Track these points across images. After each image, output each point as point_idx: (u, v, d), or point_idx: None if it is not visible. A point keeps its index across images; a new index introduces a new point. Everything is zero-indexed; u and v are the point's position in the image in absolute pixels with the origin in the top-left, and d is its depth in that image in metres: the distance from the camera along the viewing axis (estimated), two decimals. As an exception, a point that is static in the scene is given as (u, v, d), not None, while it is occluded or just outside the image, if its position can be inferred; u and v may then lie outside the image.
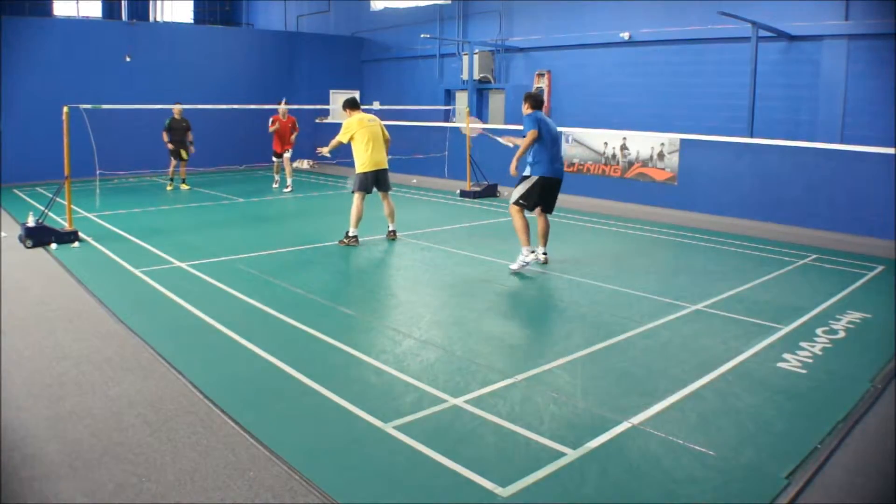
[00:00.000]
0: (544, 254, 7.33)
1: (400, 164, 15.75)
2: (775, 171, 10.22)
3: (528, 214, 7.16)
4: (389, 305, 6.00)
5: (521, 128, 7.26)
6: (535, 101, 7.16)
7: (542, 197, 7.08)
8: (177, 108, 13.01)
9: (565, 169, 12.72)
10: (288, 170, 13.44)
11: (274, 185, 13.87)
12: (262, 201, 12.33)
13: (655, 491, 3.06)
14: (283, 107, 13.18)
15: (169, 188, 13.40)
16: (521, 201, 7.03)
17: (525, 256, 6.94)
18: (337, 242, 8.34)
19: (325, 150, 8.61)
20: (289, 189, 13.28)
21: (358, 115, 8.47)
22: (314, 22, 21.93)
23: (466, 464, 3.22)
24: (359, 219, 8.27)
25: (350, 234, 8.29)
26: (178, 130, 13.07)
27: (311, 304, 5.88)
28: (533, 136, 6.85)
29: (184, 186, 13.66)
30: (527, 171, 7.06)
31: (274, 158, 13.75)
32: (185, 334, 5.12)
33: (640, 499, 3.00)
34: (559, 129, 7.44)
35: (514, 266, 6.99)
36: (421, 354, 4.70)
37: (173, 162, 13.29)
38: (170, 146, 13.08)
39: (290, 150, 13.44)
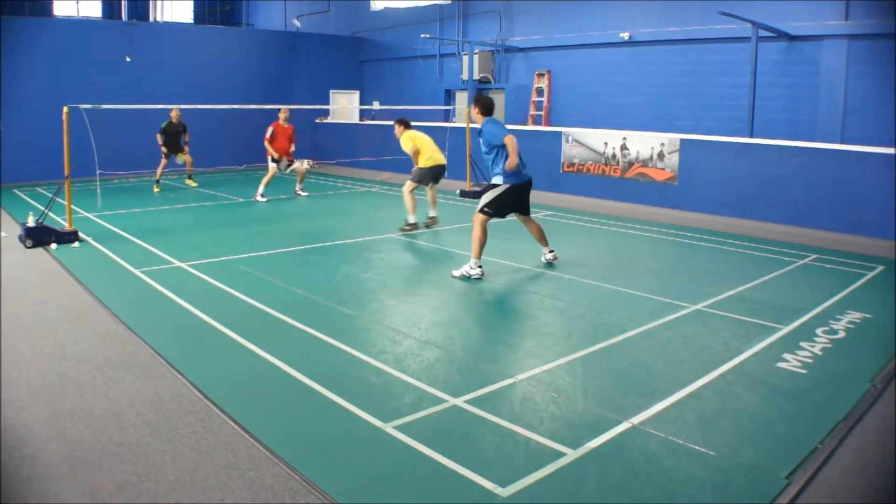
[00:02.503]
0: (551, 251, 7.30)
1: (400, 165, 15.78)
2: (775, 171, 10.21)
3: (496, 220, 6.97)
4: (389, 305, 6.00)
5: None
6: (486, 106, 6.90)
7: (516, 203, 6.91)
8: (175, 112, 12.96)
9: (565, 169, 12.83)
10: (301, 172, 12.95)
11: (262, 198, 12.57)
12: (261, 201, 12.31)
13: (655, 491, 3.06)
14: (283, 114, 12.57)
15: (156, 190, 13.22)
16: (486, 209, 6.74)
17: (472, 269, 6.71)
18: (397, 230, 9.10)
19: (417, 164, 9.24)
20: (305, 194, 12.91)
21: (414, 133, 9.28)
22: (314, 22, 21.93)
23: (466, 464, 3.22)
24: (413, 206, 9.15)
25: (410, 221, 9.16)
26: (175, 134, 13.07)
27: (311, 304, 5.88)
28: (514, 141, 6.54)
29: (191, 183, 13.68)
30: (497, 180, 6.78)
31: (271, 163, 12.58)
32: (185, 334, 5.12)
33: (640, 499, 3.00)
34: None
35: (457, 273, 6.78)
36: (421, 354, 4.70)
37: (163, 163, 13.25)
38: (164, 149, 13.04)
39: (293, 158, 12.84)
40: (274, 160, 12.47)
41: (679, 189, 11.32)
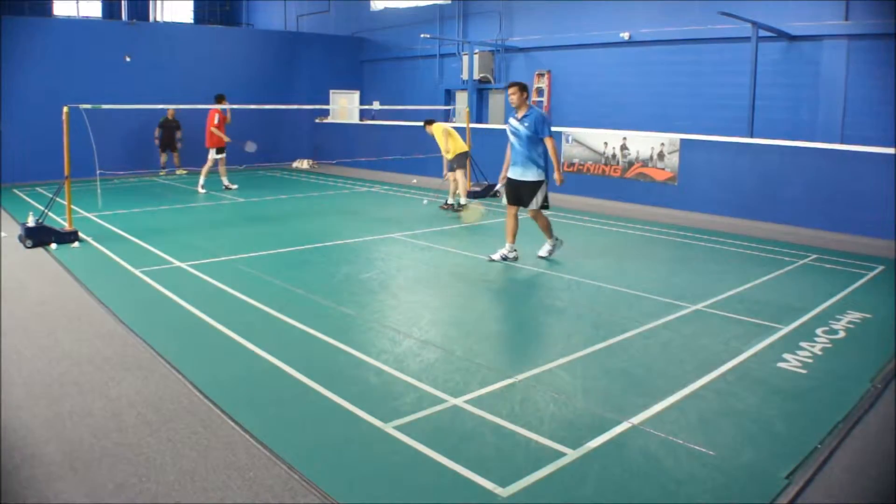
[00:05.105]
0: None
1: (400, 165, 15.79)
2: (775, 171, 10.21)
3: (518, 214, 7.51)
4: (389, 305, 6.00)
5: None
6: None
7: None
8: (170, 111, 13.08)
9: (566, 169, 12.82)
10: (205, 169, 13.11)
11: (233, 187, 13.38)
12: (262, 201, 12.32)
13: (655, 491, 3.06)
14: (223, 103, 12.88)
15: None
16: (546, 203, 7.41)
17: (556, 243, 7.67)
18: (455, 212, 10.58)
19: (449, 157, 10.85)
20: (204, 191, 12.93)
21: (443, 126, 10.87)
22: (314, 22, 21.92)
23: (466, 464, 3.22)
24: (465, 190, 10.87)
25: (462, 202, 10.66)
26: (168, 129, 13.73)
27: (311, 304, 5.88)
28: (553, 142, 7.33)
29: (182, 172, 15.12)
30: (543, 176, 7.28)
31: (218, 155, 13.04)
32: (185, 334, 5.12)
33: (640, 499, 3.00)
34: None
35: (542, 252, 7.64)
36: (421, 354, 4.70)
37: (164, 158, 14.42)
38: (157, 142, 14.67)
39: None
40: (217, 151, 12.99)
41: (679, 189, 11.32)
